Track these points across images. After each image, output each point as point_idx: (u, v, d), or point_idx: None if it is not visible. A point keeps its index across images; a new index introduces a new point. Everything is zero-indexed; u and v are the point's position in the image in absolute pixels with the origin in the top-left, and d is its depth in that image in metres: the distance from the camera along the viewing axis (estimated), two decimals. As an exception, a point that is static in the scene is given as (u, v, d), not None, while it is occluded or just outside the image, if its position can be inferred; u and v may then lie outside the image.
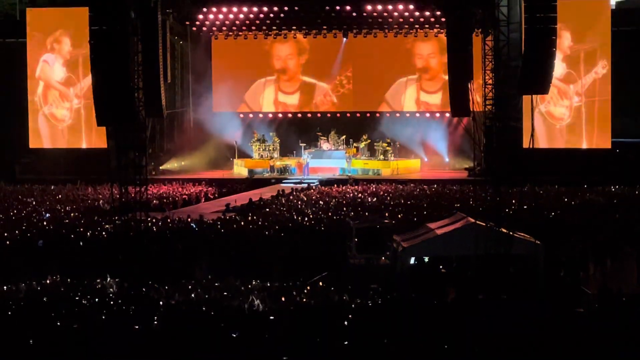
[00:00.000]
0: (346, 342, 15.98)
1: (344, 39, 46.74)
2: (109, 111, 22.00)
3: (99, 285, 20.11)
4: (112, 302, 18.40)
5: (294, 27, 46.32)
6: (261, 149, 45.86)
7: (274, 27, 46.24)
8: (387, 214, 27.14)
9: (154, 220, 26.63)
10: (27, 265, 22.64)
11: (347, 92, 48.31)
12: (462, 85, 25.04)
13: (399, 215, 27.79)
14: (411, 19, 44.44)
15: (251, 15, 44.58)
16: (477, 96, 23.92)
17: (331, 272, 21.37)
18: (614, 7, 44.15)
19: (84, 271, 21.21)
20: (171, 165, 46.46)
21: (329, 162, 45.18)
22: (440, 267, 21.43)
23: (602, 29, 41.16)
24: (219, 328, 16.69)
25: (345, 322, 16.78)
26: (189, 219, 27.72)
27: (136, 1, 23.28)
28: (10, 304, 18.19)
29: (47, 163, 43.50)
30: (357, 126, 47.41)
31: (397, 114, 47.73)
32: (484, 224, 20.88)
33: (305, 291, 19.18)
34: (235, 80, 47.19)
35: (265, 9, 43.83)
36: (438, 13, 42.86)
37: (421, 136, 46.60)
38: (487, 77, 22.85)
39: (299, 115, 48.88)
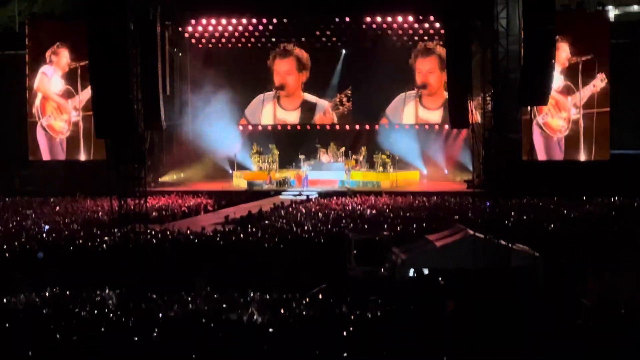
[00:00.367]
0: (345, 354, 15.94)
1: (343, 51, 46.84)
2: (109, 123, 22.06)
3: (98, 297, 20.07)
4: (111, 314, 18.38)
5: (293, 39, 46.45)
6: (260, 161, 45.91)
7: (273, 39, 46.38)
8: (386, 226, 27.14)
9: (153, 232, 26.62)
10: (26, 277, 22.61)
11: (347, 111, 48.39)
12: (461, 97, 25.06)
13: (398, 227, 27.79)
14: (410, 31, 44.55)
15: (250, 27, 44.71)
16: (477, 112, 23.93)
17: (330, 284, 21.34)
18: (612, 20, 44.21)
19: (84, 283, 21.16)
20: (170, 177, 46.45)
21: (328, 174, 45.23)
22: (440, 279, 21.41)
23: (600, 41, 41.14)
24: (218, 340, 16.66)
25: (345, 334, 16.74)
26: (188, 231, 27.73)
27: (135, 13, 23.31)
28: (10, 316, 18.15)
29: (46, 175, 43.42)
30: (356, 138, 47.47)
31: (397, 126, 47.77)
32: (483, 236, 20.87)
33: (305, 303, 19.16)
34: (235, 93, 47.16)
35: (264, 20, 44.02)
36: (437, 25, 42.98)
37: (420, 148, 46.63)
38: (486, 89, 22.88)
39: (298, 127, 48.96)
